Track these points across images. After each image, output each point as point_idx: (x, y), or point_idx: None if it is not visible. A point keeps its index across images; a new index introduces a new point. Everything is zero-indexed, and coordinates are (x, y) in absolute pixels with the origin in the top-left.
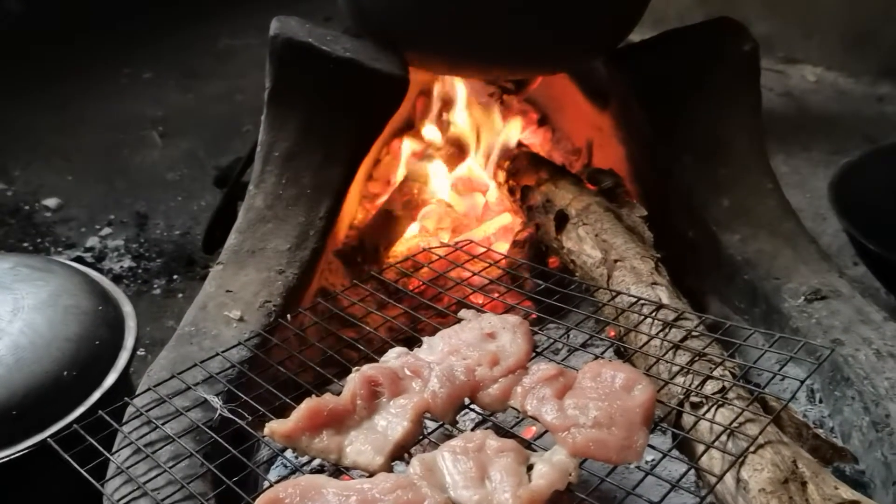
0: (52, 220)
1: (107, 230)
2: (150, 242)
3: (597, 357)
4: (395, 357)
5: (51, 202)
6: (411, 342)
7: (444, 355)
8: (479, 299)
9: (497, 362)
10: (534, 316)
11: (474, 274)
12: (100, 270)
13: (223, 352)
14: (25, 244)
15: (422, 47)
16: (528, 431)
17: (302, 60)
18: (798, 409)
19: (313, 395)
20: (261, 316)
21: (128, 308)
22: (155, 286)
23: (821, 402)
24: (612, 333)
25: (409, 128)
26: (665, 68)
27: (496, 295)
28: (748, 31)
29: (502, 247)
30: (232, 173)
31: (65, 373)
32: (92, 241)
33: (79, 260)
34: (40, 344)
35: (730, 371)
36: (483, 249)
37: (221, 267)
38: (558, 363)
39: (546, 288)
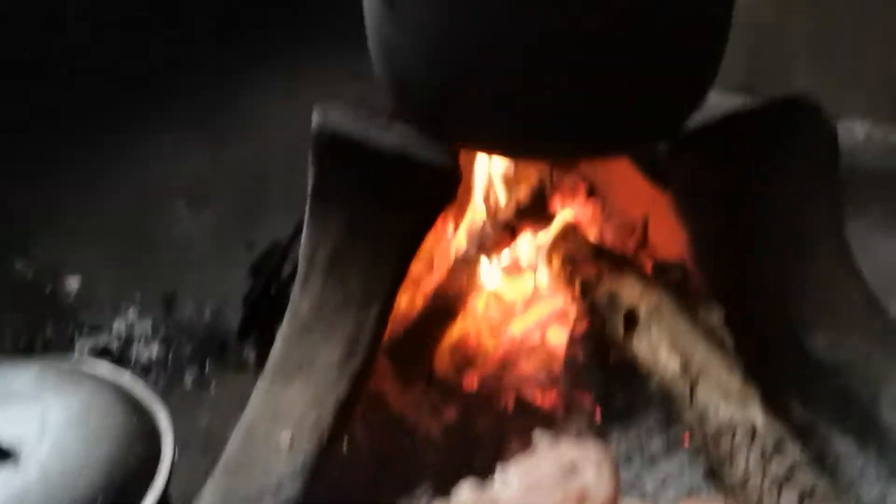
0: (74, 302)
1: (132, 312)
2: (179, 326)
3: (690, 491)
4: (466, 495)
5: (73, 282)
6: (470, 449)
7: (523, 493)
8: (539, 399)
9: (583, 503)
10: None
11: (532, 370)
12: (127, 360)
13: (274, 490)
14: (47, 330)
15: (472, 135)
16: None
17: (347, 156)
18: None
19: None
20: (312, 439)
21: (163, 419)
22: (186, 376)
23: None
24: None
25: (454, 202)
26: (734, 153)
27: (558, 395)
28: (825, 113)
29: (557, 335)
30: (270, 262)
31: (99, 499)
32: (117, 326)
33: (105, 352)
34: (72, 468)
35: None
36: (538, 337)
37: (268, 381)
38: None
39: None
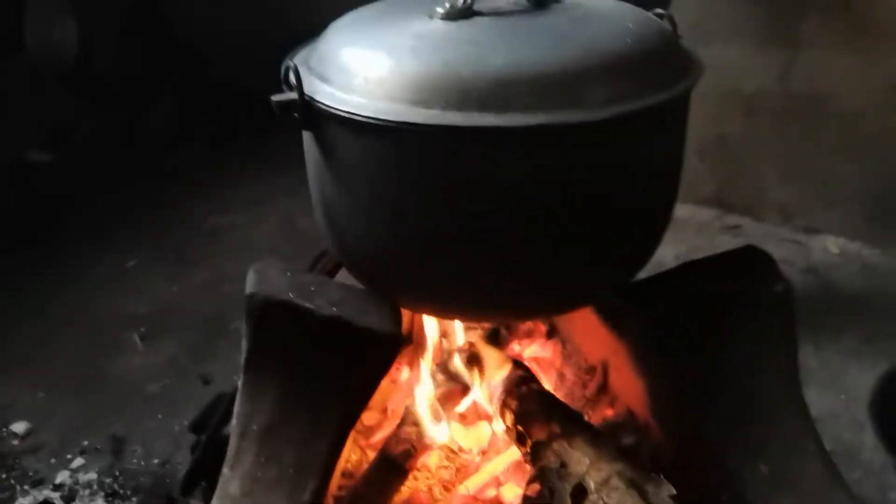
0: (19, 448)
1: (79, 461)
2: (126, 475)
3: None
4: None
5: (19, 427)
6: None
7: None
8: None
9: None
10: None
11: None
12: None
13: None
14: None
15: (416, 297)
16: None
17: (282, 321)
18: None
19: None
20: None
21: None
22: None
23: None
24: None
25: (406, 345)
26: (686, 308)
27: None
28: (777, 268)
29: (513, 491)
30: (211, 418)
31: None
32: (62, 476)
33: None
34: None
35: None
36: (493, 493)
37: None
38: None
39: None
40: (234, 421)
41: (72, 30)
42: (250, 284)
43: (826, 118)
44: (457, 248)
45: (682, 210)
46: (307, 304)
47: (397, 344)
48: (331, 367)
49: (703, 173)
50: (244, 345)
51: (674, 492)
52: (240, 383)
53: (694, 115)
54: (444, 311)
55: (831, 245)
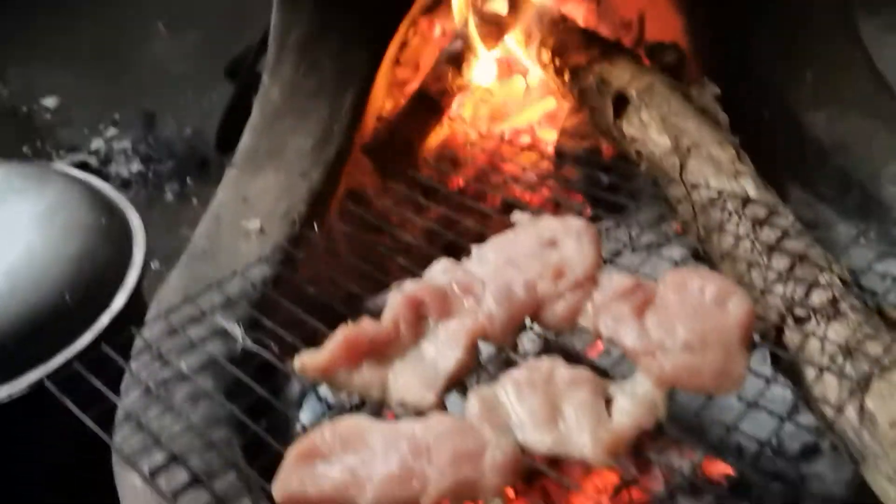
0: (52, 121)
1: (112, 131)
2: (160, 143)
3: (676, 263)
4: (440, 271)
5: (49, 102)
6: (453, 249)
7: (498, 268)
8: (527, 197)
9: (562, 274)
10: (590, 213)
11: (521, 169)
12: (106, 176)
13: (242, 270)
14: (25, 148)
15: None
16: (595, 348)
17: None
18: None
19: (349, 321)
20: (283, 226)
21: (135, 220)
22: (167, 191)
23: None
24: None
25: (438, 3)
26: None
27: (547, 192)
28: None
29: (549, 135)
30: (245, 62)
31: (66, 296)
32: (96, 144)
33: (83, 165)
34: (37, 266)
35: (839, 277)
36: (528, 139)
37: (236, 171)
38: (633, 273)
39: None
40: (272, 30)
41: None
42: None
43: None
44: None
45: None
46: None
47: None
48: None
49: None
50: None
51: (718, 91)
52: None
53: None
54: None
55: None
